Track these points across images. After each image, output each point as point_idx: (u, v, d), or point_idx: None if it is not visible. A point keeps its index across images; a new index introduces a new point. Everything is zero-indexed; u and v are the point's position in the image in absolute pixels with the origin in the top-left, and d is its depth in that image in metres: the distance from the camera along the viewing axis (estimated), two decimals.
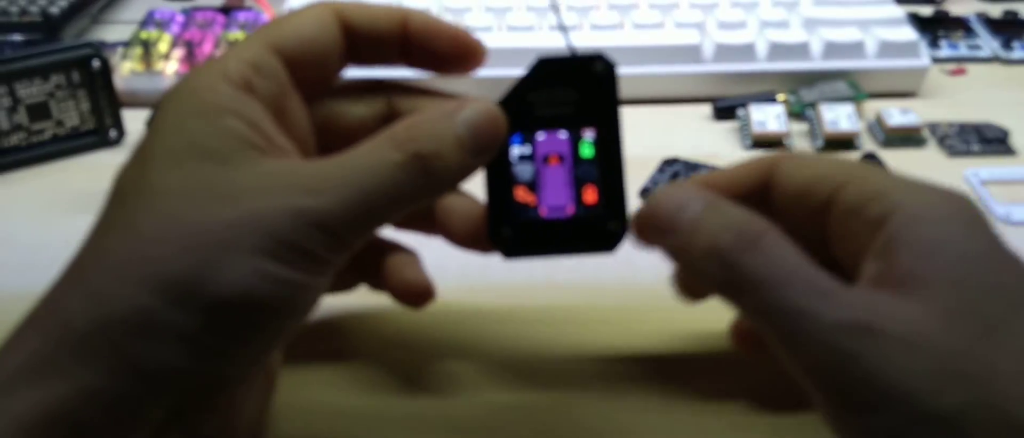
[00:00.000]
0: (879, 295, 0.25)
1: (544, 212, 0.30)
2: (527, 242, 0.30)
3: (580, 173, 0.30)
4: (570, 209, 0.30)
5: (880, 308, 0.24)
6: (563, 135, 0.30)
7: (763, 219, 0.26)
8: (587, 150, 0.30)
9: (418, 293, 0.33)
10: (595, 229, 0.30)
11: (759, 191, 0.30)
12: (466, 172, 0.27)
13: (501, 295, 0.39)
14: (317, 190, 0.25)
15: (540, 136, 0.30)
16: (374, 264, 0.33)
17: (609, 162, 0.30)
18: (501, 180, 0.30)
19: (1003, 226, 0.44)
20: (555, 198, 0.30)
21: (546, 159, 0.30)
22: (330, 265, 0.25)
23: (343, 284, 0.35)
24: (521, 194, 0.30)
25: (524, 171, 0.30)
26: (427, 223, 0.32)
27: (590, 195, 0.30)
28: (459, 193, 0.31)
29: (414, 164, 0.26)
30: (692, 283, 0.32)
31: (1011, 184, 0.47)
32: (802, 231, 0.28)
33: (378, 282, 0.34)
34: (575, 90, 0.30)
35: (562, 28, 0.31)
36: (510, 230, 0.30)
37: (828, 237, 0.28)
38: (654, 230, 0.28)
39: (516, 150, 0.30)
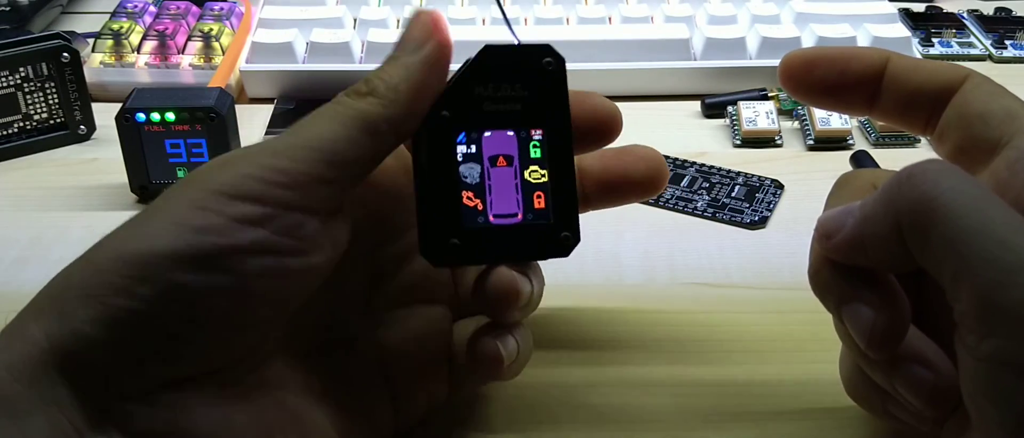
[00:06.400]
0: None
1: (492, 218, 0.28)
2: (472, 250, 0.28)
3: (528, 176, 0.28)
4: (519, 215, 0.28)
5: None
6: (511, 134, 0.28)
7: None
8: (535, 152, 0.28)
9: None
10: (547, 238, 0.28)
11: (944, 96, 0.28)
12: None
13: None
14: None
15: (487, 134, 0.28)
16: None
17: (559, 166, 0.28)
18: (446, 183, 0.28)
19: None
20: (504, 203, 0.28)
21: (494, 160, 0.28)
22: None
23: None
24: (467, 198, 0.28)
25: (471, 173, 0.28)
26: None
27: (540, 200, 0.28)
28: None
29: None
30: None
31: None
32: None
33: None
34: (523, 86, 0.28)
35: (506, 20, 0.30)
36: (457, 240, 0.27)
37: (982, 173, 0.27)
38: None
39: (461, 149, 0.28)
